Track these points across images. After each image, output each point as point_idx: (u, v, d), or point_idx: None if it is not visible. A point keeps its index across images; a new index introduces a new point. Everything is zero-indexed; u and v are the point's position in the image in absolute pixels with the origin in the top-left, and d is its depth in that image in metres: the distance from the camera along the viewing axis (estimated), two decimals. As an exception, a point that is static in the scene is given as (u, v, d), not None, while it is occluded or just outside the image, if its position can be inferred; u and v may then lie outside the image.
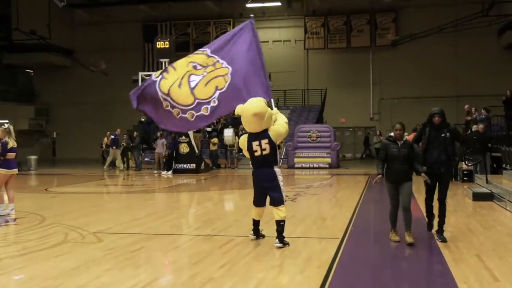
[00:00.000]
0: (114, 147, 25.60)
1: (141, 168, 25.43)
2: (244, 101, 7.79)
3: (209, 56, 8.53)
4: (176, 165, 23.01)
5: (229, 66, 8.41)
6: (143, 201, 14.21)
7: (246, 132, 7.87)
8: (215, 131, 27.22)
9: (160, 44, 23.64)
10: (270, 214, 9.37)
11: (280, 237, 7.56)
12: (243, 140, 7.82)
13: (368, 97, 35.50)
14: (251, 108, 7.49)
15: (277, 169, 7.71)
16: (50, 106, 40.39)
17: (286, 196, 7.99)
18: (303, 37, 35.97)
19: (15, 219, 10.19)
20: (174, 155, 23.12)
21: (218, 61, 8.48)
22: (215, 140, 25.33)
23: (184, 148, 23.05)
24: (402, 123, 7.70)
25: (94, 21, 38.35)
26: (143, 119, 29.33)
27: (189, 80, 8.37)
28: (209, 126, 28.18)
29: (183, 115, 8.34)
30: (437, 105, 8.82)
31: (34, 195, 15.72)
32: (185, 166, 22.92)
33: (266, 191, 7.71)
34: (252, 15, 9.21)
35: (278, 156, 7.80)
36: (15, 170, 10.88)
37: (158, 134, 25.31)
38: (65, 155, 37.85)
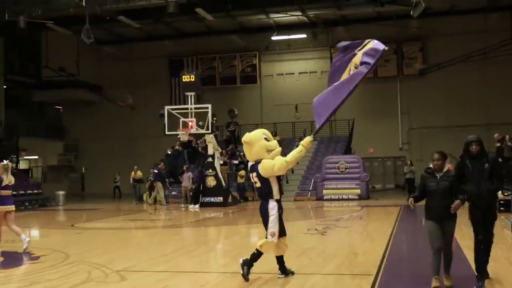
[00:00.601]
0: (158, 181, 25.03)
1: (168, 202, 25.24)
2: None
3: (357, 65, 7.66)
4: (203, 198, 22.75)
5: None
6: (170, 236, 13.98)
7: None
8: (242, 163, 26.98)
9: (185, 78, 23.59)
10: (297, 249, 9.07)
11: (248, 261, 7.36)
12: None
13: (397, 126, 35.01)
14: (244, 136, 7.50)
15: (272, 204, 7.34)
16: (79, 142, 40.71)
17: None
18: (329, 68, 35.69)
19: (39, 257, 9.98)
20: (201, 188, 22.91)
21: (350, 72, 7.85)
22: (243, 172, 25.05)
23: (211, 181, 22.82)
24: (442, 152, 6.83)
25: (121, 57, 38.76)
26: (169, 152, 29.26)
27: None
28: (235, 158, 27.98)
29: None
30: (468, 133, 8.05)
31: (60, 231, 15.62)
32: (212, 199, 22.63)
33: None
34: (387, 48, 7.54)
35: (275, 189, 7.33)
36: (11, 207, 10.67)
37: (184, 167, 25.16)
38: (94, 189, 37.95)
